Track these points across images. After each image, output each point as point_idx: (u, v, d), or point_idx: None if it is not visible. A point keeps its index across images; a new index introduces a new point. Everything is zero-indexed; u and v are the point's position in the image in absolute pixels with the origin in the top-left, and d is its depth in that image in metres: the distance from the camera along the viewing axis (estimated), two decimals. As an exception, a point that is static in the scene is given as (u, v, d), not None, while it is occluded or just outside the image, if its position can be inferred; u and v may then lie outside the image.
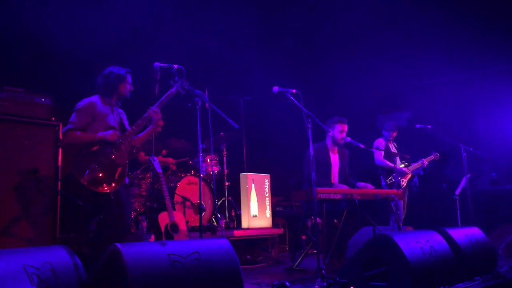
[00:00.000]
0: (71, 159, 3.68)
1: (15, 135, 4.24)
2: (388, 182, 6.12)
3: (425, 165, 6.43)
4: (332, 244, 4.72)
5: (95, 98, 3.91)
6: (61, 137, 4.46)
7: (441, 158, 6.75)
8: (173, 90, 3.95)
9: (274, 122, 7.42)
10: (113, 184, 3.70)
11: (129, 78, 3.98)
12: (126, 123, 4.10)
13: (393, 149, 6.45)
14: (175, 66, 3.89)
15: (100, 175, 3.65)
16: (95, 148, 3.73)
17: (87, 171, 3.61)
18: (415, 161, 6.47)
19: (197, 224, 4.97)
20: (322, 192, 4.36)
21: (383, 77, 7.78)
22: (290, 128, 6.86)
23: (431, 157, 6.53)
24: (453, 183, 6.38)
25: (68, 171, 3.80)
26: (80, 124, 3.77)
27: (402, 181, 6.26)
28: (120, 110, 4.10)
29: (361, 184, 5.23)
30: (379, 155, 6.27)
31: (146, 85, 4.59)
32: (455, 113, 7.56)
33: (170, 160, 6.06)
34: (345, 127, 5.34)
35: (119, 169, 3.76)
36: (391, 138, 6.49)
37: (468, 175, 6.04)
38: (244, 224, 5.74)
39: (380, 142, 6.35)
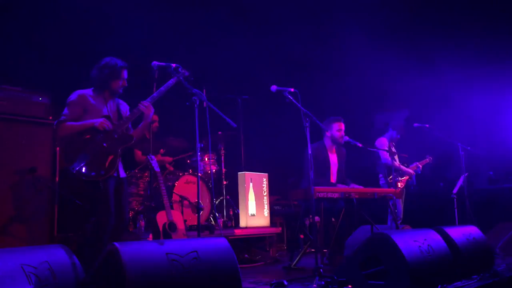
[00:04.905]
0: (62, 148, 3.64)
1: (13, 134, 4.22)
2: (389, 181, 6.11)
3: (420, 168, 6.42)
4: (330, 243, 4.72)
5: (87, 91, 3.88)
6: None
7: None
8: (173, 80, 3.91)
9: (272, 121, 7.40)
10: (103, 172, 3.65)
11: (124, 74, 3.88)
12: (125, 114, 4.00)
13: (393, 148, 6.45)
14: (173, 65, 3.88)
15: (90, 162, 3.60)
16: (87, 136, 3.70)
17: (77, 159, 3.58)
18: (412, 162, 6.47)
19: (195, 223, 4.96)
20: (320, 191, 4.36)
21: (381, 76, 7.77)
22: (288, 127, 6.85)
23: (426, 161, 6.53)
24: (451, 182, 6.39)
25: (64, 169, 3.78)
26: (71, 116, 3.74)
27: (401, 180, 6.25)
28: (120, 101, 4.05)
29: (354, 186, 5.21)
30: (386, 154, 6.19)
31: (141, 82, 4.56)
32: (453, 112, 7.57)
33: (167, 159, 6.05)
34: (342, 125, 5.34)
35: (110, 157, 3.71)
36: (395, 139, 6.45)
37: (466, 174, 6.05)
38: (242, 223, 5.74)
39: (383, 141, 6.30)
